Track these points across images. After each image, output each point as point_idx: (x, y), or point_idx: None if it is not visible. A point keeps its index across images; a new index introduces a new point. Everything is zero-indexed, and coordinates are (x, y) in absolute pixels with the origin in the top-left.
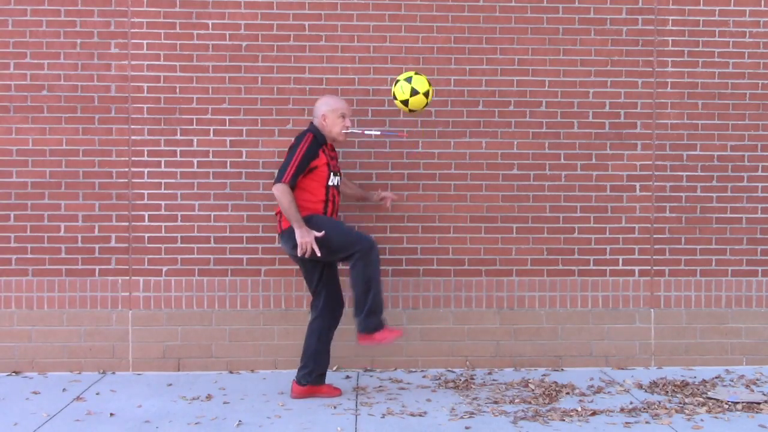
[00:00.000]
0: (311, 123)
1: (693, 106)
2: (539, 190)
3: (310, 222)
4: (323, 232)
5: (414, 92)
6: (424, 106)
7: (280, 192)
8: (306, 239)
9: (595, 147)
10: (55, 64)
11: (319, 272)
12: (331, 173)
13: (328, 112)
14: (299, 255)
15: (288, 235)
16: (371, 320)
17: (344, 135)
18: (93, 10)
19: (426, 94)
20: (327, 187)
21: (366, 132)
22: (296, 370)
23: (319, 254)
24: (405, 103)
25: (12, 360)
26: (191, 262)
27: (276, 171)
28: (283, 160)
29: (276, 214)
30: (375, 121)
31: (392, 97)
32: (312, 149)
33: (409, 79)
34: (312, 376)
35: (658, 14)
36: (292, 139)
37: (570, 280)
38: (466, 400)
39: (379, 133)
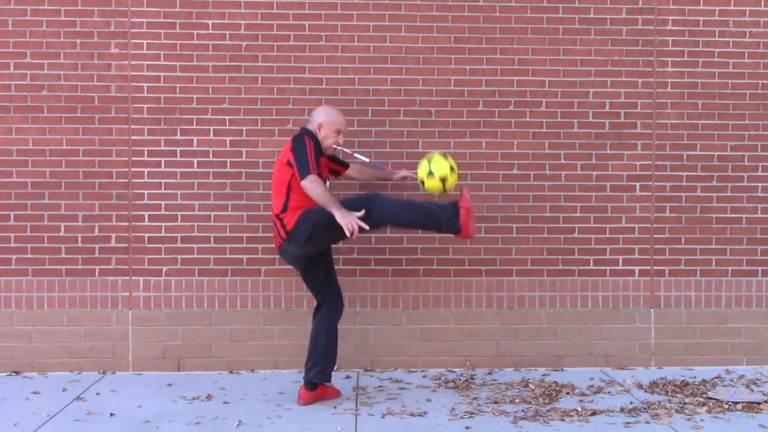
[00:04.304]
0: (304, 128)
1: (693, 106)
2: (539, 190)
3: (306, 215)
4: (363, 211)
5: (430, 174)
6: (443, 191)
7: (311, 182)
8: (349, 219)
9: (595, 147)
10: (55, 64)
11: (324, 272)
12: (326, 179)
13: (326, 123)
14: (348, 236)
15: (295, 234)
16: (448, 211)
17: (333, 149)
18: (93, 10)
19: (443, 180)
20: None
21: (356, 155)
22: (303, 372)
23: (366, 227)
24: (422, 182)
25: (12, 360)
26: (191, 262)
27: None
28: (293, 162)
29: (275, 220)
30: (375, 120)
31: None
32: (316, 148)
33: (430, 160)
34: (325, 373)
35: (658, 14)
36: (290, 141)
37: (570, 280)
38: (466, 400)
39: (368, 161)
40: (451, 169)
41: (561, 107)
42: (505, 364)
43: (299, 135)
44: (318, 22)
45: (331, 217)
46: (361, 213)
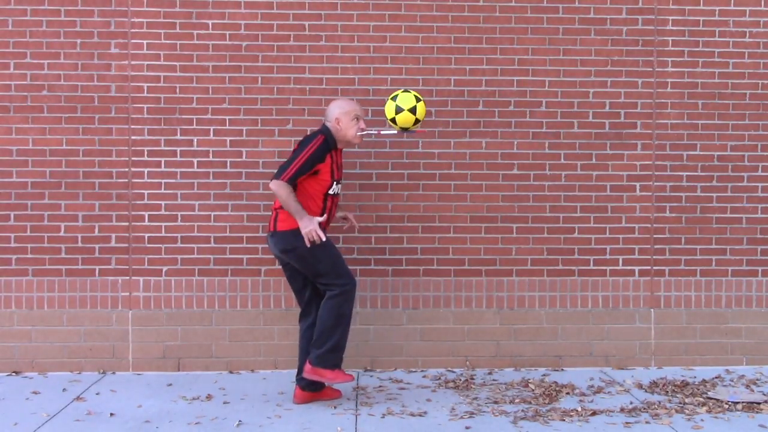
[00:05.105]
0: (323, 124)
1: (693, 106)
2: (539, 190)
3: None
4: (324, 217)
5: (399, 110)
6: (415, 123)
7: (277, 186)
8: (309, 227)
9: (595, 147)
10: (55, 64)
11: (302, 279)
12: (334, 182)
13: (342, 115)
14: (308, 245)
15: (279, 237)
16: (333, 356)
17: (360, 138)
18: (93, 10)
19: (412, 110)
20: (326, 195)
21: (382, 132)
22: (296, 374)
23: (323, 238)
24: (393, 121)
25: (12, 360)
26: (191, 262)
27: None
28: (287, 158)
29: (273, 210)
30: (376, 121)
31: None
32: (319, 152)
33: (394, 98)
34: (315, 385)
35: (658, 14)
36: (299, 139)
37: (570, 280)
38: (466, 400)
39: (395, 132)
40: (417, 98)
41: (561, 107)
42: (505, 364)
43: (312, 134)
44: (318, 22)
45: (316, 258)
46: (323, 218)
